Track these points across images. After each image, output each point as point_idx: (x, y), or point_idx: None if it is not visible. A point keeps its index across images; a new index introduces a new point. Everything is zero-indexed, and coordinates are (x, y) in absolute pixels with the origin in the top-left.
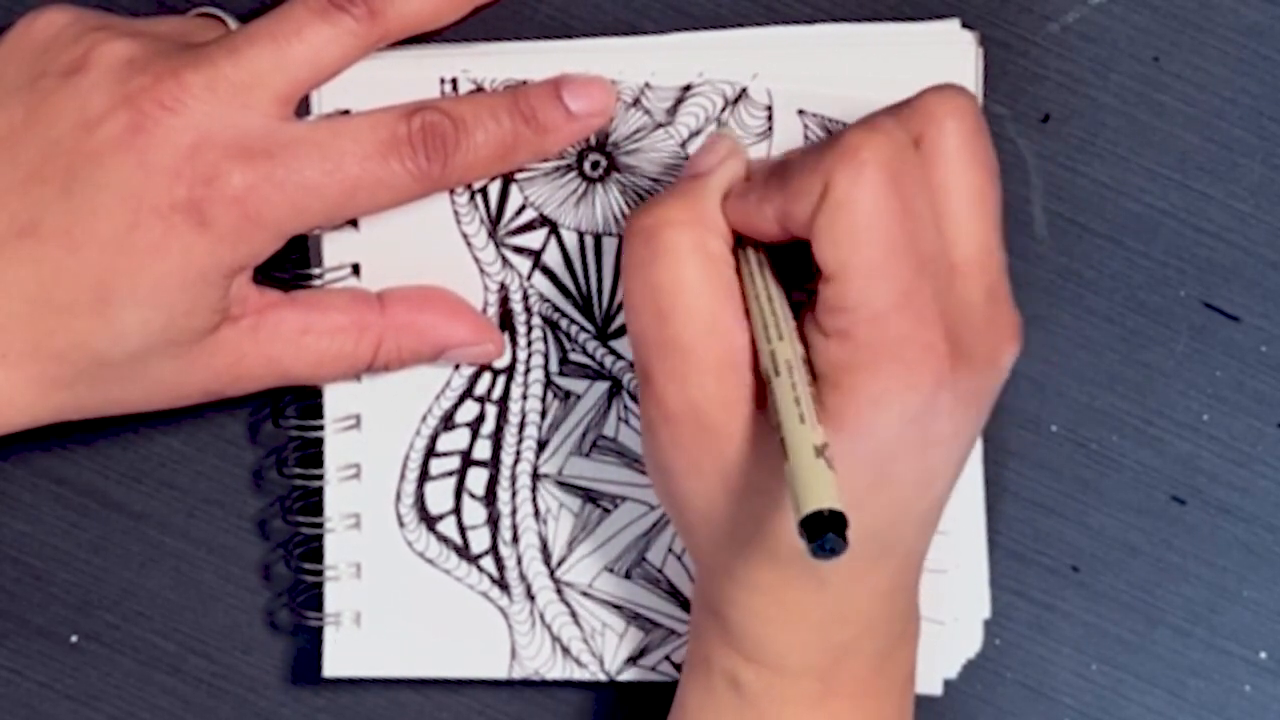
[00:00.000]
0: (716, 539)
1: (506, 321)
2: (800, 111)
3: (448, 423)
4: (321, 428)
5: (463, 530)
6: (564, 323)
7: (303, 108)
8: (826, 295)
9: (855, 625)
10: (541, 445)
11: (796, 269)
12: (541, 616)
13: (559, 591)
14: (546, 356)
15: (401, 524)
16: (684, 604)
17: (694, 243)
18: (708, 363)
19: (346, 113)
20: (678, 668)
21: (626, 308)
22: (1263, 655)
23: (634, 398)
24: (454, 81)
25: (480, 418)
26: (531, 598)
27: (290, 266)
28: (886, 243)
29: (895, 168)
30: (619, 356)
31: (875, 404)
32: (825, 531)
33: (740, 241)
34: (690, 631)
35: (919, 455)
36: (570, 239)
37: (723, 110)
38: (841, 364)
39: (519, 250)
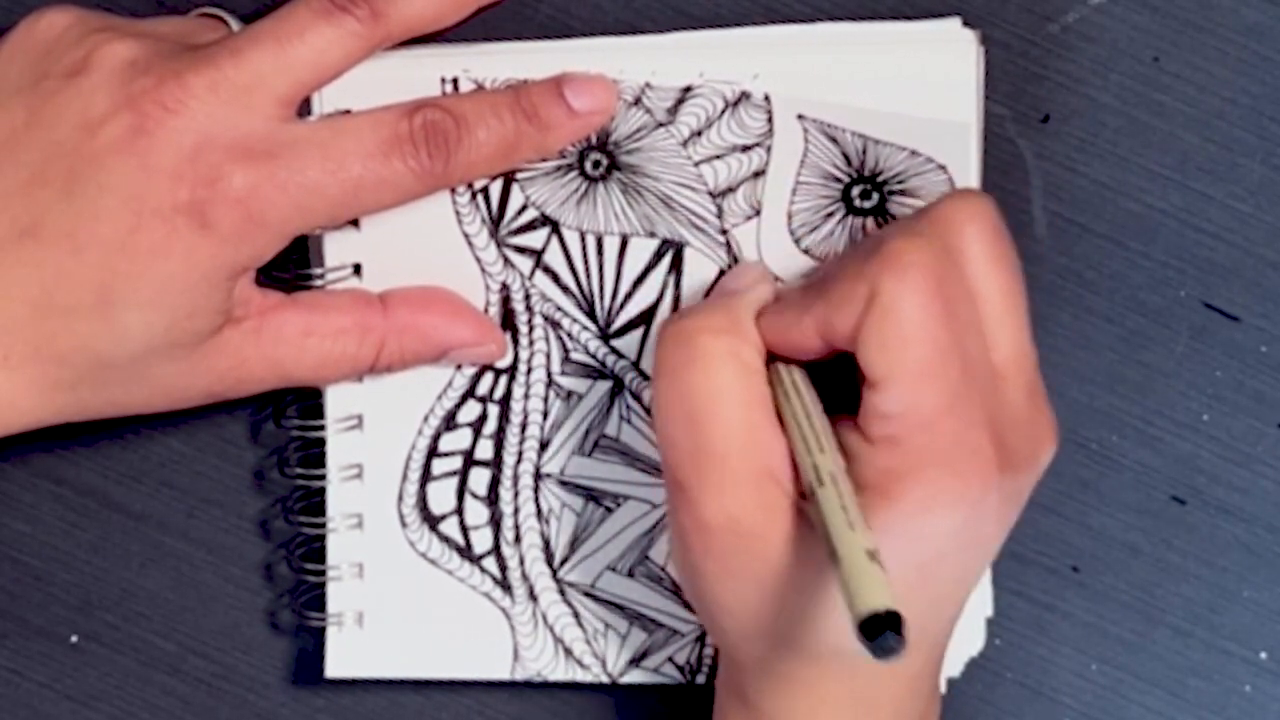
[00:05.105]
0: (749, 636)
1: (508, 321)
2: (800, 116)
3: (450, 423)
4: (323, 428)
5: (465, 530)
6: (566, 322)
7: (303, 108)
8: (873, 402)
9: (882, 711)
10: (544, 445)
11: (825, 387)
12: (544, 617)
13: (561, 592)
14: (548, 356)
15: (404, 524)
16: (687, 603)
17: (729, 350)
18: (746, 474)
19: (347, 113)
20: (680, 670)
21: (657, 413)
22: (1263, 655)
23: (635, 397)
24: (455, 81)
25: (482, 417)
26: (534, 598)
27: (292, 266)
28: (935, 346)
29: (939, 272)
30: (620, 356)
31: (925, 510)
32: (883, 630)
33: (772, 359)
34: (716, 713)
35: (961, 556)
36: (572, 238)
37: (723, 112)
38: (890, 471)
39: (520, 250)
